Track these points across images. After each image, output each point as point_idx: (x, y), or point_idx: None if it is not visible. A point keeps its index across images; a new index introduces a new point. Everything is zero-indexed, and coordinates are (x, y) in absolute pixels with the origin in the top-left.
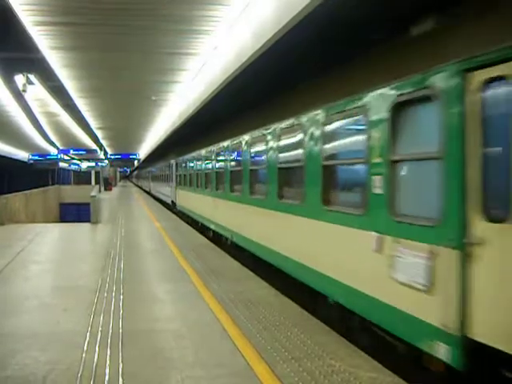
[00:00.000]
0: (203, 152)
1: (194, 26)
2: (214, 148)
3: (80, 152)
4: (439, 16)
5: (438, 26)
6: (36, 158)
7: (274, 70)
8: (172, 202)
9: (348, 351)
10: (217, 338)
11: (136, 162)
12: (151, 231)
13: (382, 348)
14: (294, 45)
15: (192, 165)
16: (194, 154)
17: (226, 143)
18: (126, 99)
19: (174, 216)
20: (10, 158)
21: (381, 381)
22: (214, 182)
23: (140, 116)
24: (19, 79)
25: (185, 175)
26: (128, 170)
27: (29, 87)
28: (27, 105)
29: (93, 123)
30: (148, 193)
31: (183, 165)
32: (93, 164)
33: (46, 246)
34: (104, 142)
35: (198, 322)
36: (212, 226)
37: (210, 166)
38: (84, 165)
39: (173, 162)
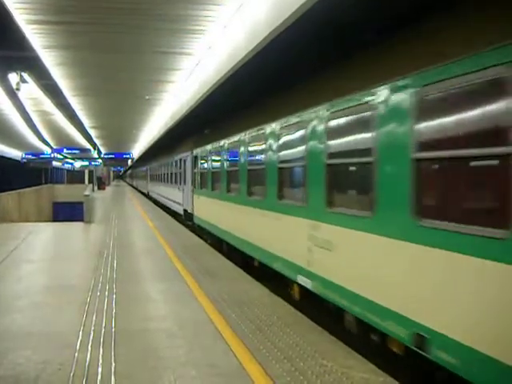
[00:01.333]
0: (272, 129)
1: (188, 25)
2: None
3: (73, 151)
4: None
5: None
6: (29, 156)
7: (269, 67)
8: (185, 211)
9: (341, 351)
10: (209, 338)
11: (130, 161)
12: (144, 230)
13: (376, 348)
14: (289, 45)
15: (235, 155)
16: (241, 137)
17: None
18: (119, 98)
19: (167, 216)
20: (3, 157)
21: (373, 381)
22: (321, 187)
23: (134, 115)
24: (13, 78)
25: (214, 173)
26: (121, 169)
27: (22, 86)
28: (21, 103)
29: (86, 122)
30: (146, 196)
31: (211, 157)
32: (86, 163)
33: (39, 246)
34: (97, 141)
35: (191, 322)
36: (301, 279)
37: (302, 153)
38: (77, 164)
39: (186, 155)
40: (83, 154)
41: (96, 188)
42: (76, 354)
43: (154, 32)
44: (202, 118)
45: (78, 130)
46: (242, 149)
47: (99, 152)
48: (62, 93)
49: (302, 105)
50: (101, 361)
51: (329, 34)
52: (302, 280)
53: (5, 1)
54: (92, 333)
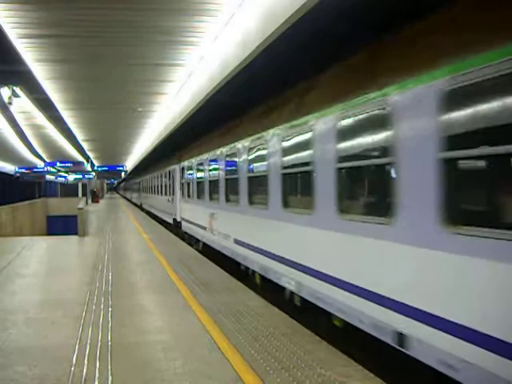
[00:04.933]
0: None
1: (181, 37)
2: None
3: (67, 164)
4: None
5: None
6: (22, 171)
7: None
8: None
9: (338, 360)
10: (206, 350)
11: (123, 174)
12: (139, 243)
13: (373, 356)
14: (280, 54)
15: None
16: None
17: None
18: (112, 111)
19: (162, 227)
20: None
21: None
22: None
23: (127, 127)
24: (4, 92)
25: None
26: (115, 182)
27: (14, 100)
28: (13, 117)
29: (79, 135)
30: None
31: None
32: (79, 176)
33: (34, 260)
34: (91, 154)
35: (187, 334)
36: None
37: None
38: (71, 177)
39: None
40: (76, 167)
41: (90, 201)
42: (72, 369)
43: (146, 44)
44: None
45: (71, 144)
46: None
47: (92, 165)
48: (54, 106)
49: None
50: (97, 375)
51: (318, 44)
52: None
53: None
54: (88, 347)
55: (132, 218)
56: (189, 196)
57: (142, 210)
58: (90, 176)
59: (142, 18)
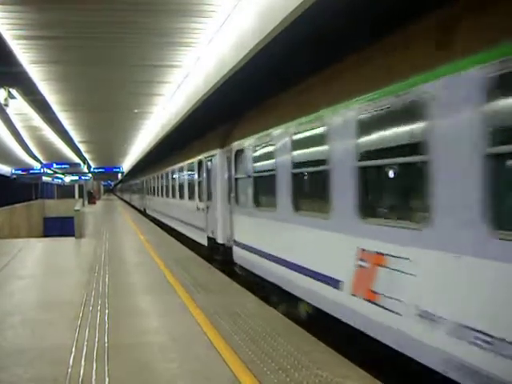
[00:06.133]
0: None
1: (177, 38)
2: None
3: (63, 166)
4: None
5: None
6: (19, 172)
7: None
8: None
9: (335, 361)
10: (203, 351)
11: (120, 176)
12: (136, 244)
13: (371, 357)
14: (276, 54)
15: None
16: None
17: None
18: (108, 112)
19: (159, 229)
20: None
21: None
22: None
23: (123, 129)
24: (0, 93)
25: None
26: (112, 184)
27: (10, 101)
28: (9, 119)
29: (76, 137)
30: None
31: None
32: (76, 178)
33: (31, 261)
34: (87, 156)
35: (185, 335)
36: None
37: None
38: (67, 179)
39: None
40: (73, 168)
41: (86, 203)
42: (69, 370)
43: (143, 45)
44: None
45: (68, 145)
46: None
47: (89, 166)
48: (50, 108)
49: None
50: (94, 376)
51: (313, 44)
52: None
53: None
54: (85, 348)
55: (128, 219)
56: (258, 204)
57: (147, 216)
58: (87, 177)
59: (139, 20)
